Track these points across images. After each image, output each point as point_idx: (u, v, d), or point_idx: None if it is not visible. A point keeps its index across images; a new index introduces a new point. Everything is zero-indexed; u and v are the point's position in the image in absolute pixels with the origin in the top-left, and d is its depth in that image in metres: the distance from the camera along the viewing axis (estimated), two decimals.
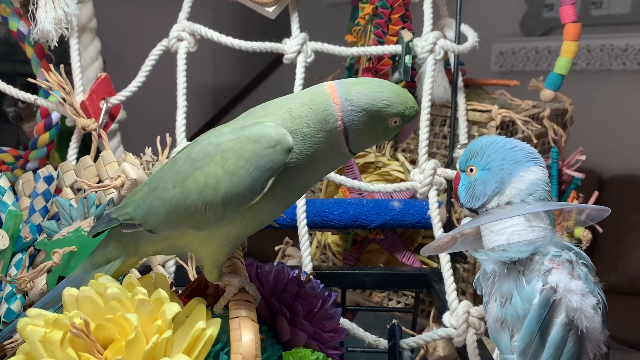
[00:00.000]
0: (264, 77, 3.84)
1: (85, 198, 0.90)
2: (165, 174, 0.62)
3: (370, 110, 0.59)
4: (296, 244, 1.27)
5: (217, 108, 3.87)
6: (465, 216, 0.99)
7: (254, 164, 0.56)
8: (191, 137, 1.04)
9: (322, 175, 0.65)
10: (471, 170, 0.73)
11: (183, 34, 1.11)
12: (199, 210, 0.59)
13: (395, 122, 0.60)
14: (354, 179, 1.12)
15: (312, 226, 1.09)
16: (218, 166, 0.57)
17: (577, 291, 0.63)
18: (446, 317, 0.93)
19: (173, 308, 0.58)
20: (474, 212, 0.76)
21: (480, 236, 0.74)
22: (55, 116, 1.17)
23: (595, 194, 1.17)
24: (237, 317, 0.60)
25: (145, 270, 0.96)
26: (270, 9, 1.07)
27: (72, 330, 0.55)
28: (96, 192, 0.90)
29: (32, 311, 0.60)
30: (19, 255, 0.89)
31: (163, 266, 0.94)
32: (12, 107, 1.31)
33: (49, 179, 0.95)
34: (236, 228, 0.61)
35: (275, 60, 3.67)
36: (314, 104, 0.59)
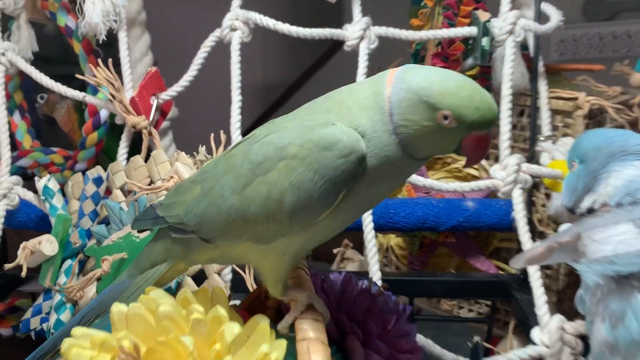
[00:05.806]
0: (314, 71, 3.77)
1: (136, 201, 0.86)
2: (222, 175, 0.55)
3: (419, 93, 0.48)
4: (355, 245, 1.19)
5: (266, 104, 3.83)
6: (549, 216, 0.88)
7: (324, 176, 0.49)
8: (243, 134, 0.98)
9: (394, 184, 0.55)
10: (573, 165, 0.65)
11: (237, 23, 1.05)
12: (261, 222, 0.52)
13: (446, 117, 0.48)
14: (420, 175, 1.02)
15: (376, 228, 1.00)
16: (282, 176, 0.50)
17: None
18: (536, 333, 0.82)
19: (233, 329, 0.51)
20: (574, 213, 0.66)
21: (582, 245, 0.63)
22: (103, 114, 1.13)
23: None
24: (306, 339, 0.53)
25: (199, 275, 0.90)
26: None
27: (121, 356, 0.49)
28: (147, 194, 0.84)
29: (77, 330, 0.54)
30: (68, 262, 0.87)
31: (219, 274, 0.87)
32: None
33: (98, 181, 0.90)
34: (296, 243, 0.54)
35: (325, 54, 3.60)
36: (373, 86, 0.51)
